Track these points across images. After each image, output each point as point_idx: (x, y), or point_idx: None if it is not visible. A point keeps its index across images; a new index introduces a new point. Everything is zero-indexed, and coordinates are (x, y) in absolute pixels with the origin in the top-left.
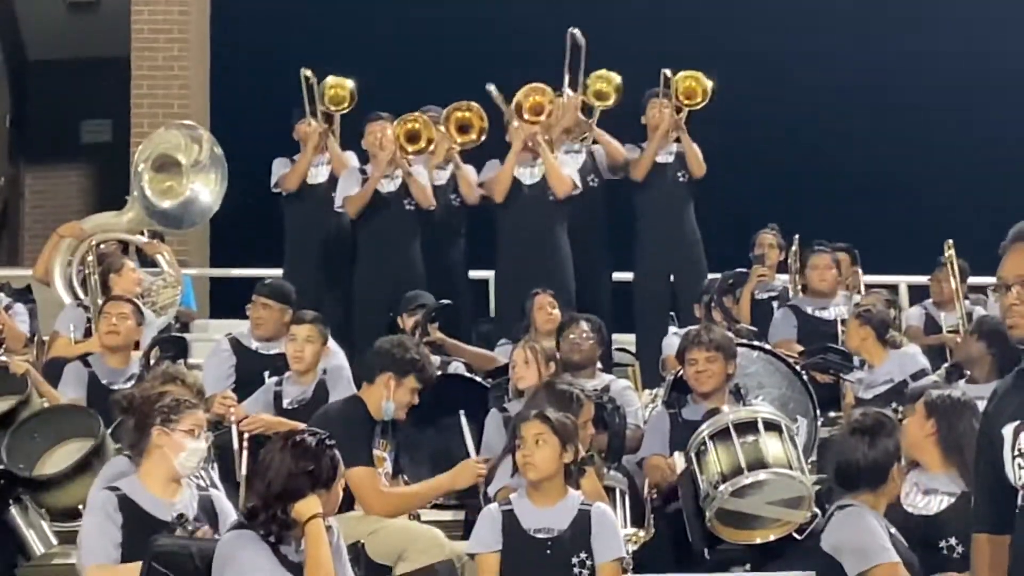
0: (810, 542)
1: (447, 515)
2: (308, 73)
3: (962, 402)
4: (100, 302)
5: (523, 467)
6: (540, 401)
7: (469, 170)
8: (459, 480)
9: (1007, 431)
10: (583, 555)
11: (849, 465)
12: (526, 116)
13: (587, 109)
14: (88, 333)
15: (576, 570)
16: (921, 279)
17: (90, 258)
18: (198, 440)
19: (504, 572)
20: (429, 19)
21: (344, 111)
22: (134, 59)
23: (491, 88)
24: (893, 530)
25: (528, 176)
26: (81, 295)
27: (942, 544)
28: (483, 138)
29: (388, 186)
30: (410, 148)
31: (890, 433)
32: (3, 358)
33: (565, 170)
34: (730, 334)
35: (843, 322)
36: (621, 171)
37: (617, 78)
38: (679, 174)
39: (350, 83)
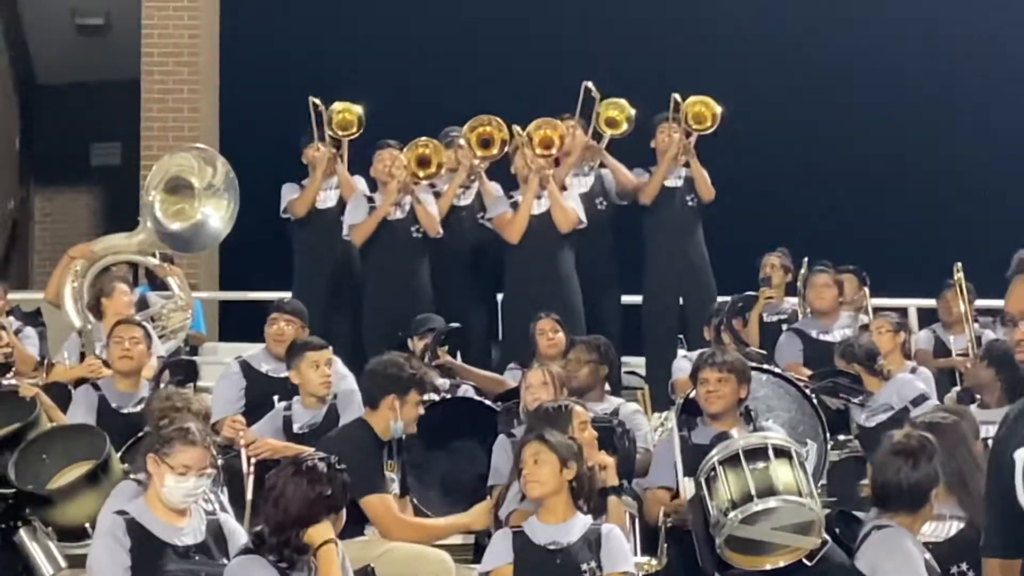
0: (820, 568)
1: (457, 539)
2: (316, 101)
3: (946, 428)
4: (89, 326)
5: (525, 487)
6: (534, 425)
7: (494, 187)
8: (477, 523)
9: (1018, 456)
10: (592, 564)
11: (890, 486)
12: (537, 150)
13: (597, 134)
14: (82, 358)
15: None
16: (931, 302)
17: (74, 284)
18: (184, 479)
19: None
20: (438, 46)
21: (352, 136)
22: (144, 82)
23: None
24: (928, 555)
25: (536, 206)
26: (91, 318)
27: (954, 570)
28: (505, 150)
29: (396, 213)
30: (421, 173)
31: (931, 456)
32: (13, 381)
33: (569, 203)
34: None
35: None
36: (629, 197)
37: (630, 108)
38: (688, 198)
39: (358, 108)
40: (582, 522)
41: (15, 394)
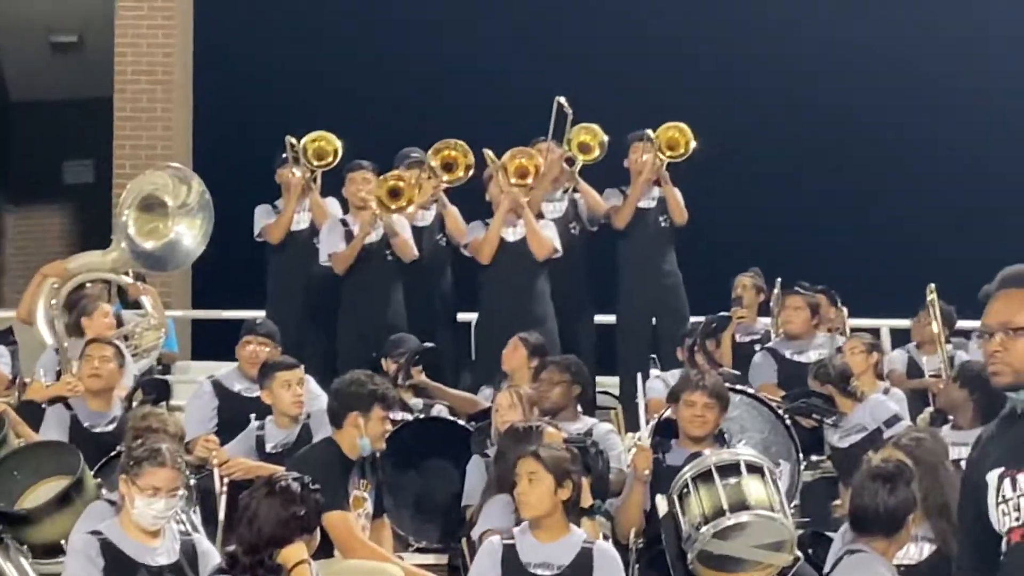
0: None
1: (430, 558)
2: (292, 140)
3: (926, 449)
4: (67, 344)
5: (519, 505)
6: (505, 447)
7: (455, 211)
8: None
9: (991, 477)
10: None
11: (867, 510)
12: (512, 179)
13: (570, 159)
14: (59, 376)
15: None
16: (904, 323)
17: (54, 301)
18: (154, 499)
19: None
20: (412, 70)
21: (328, 167)
22: (117, 100)
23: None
24: None
25: (511, 234)
26: (68, 337)
27: None
28: (469, 175)
29: (371, 236)
30: (392, 205)
31: (909, 481)
32: None
33: (545, 232)
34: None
35: None
36: (601, 221)
37: (602, 134)
38: (661, 218)
39: (337, 141)
40: (576, 539)
41: None
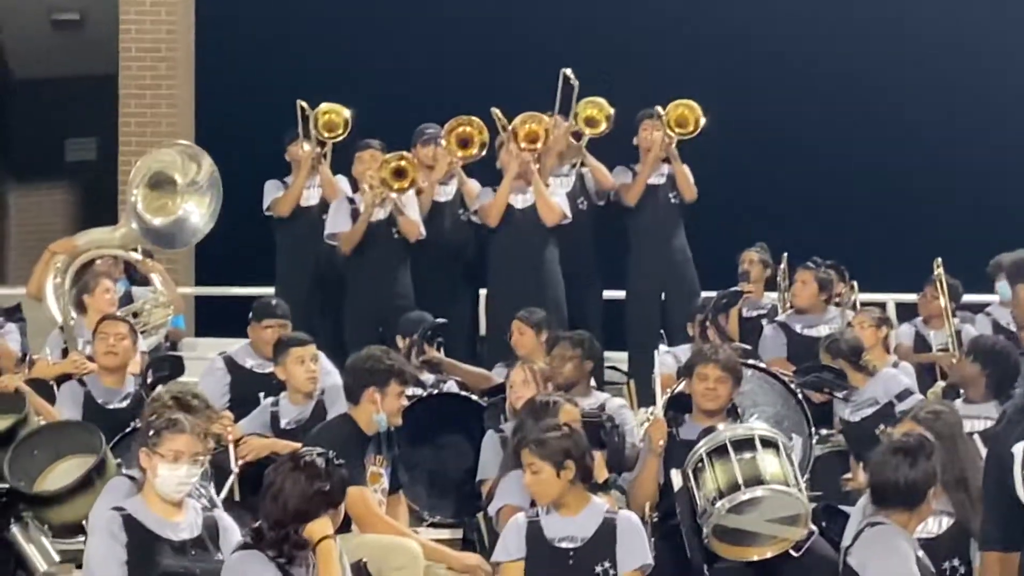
0: (807, 559)
1: (445, 533)
2: (304, 104)
3: (946, 423)
4: (72, 321)
5: (532, 495)
6: (522, 422)
7: (474, 184)
8: (464, 564)
9: (1017, 450)
10: (607, 564)
11: (887, 484)
12: (521, 144)
13: (577, 134)
14: (64, 353)
15: None
16: (911, 297)
17: (56, 279)
18: (176, 466)
19: None
20: (419, 42)
21: (338, 139)
22: (121, 77)
23: (494, 111)
24: (921, 553)
25: (520, 201)
26: (74, 313)
27: (945, 566)
28: (484, 152)
29: (377, 214)
30: (395, 185)
31: (930, 455)
32: None
33: (555, 199)
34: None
35: None
36: (610, 198)
37: (608, 107)
38: (671, 195)
39: (346, 112)
40: (598, 510)
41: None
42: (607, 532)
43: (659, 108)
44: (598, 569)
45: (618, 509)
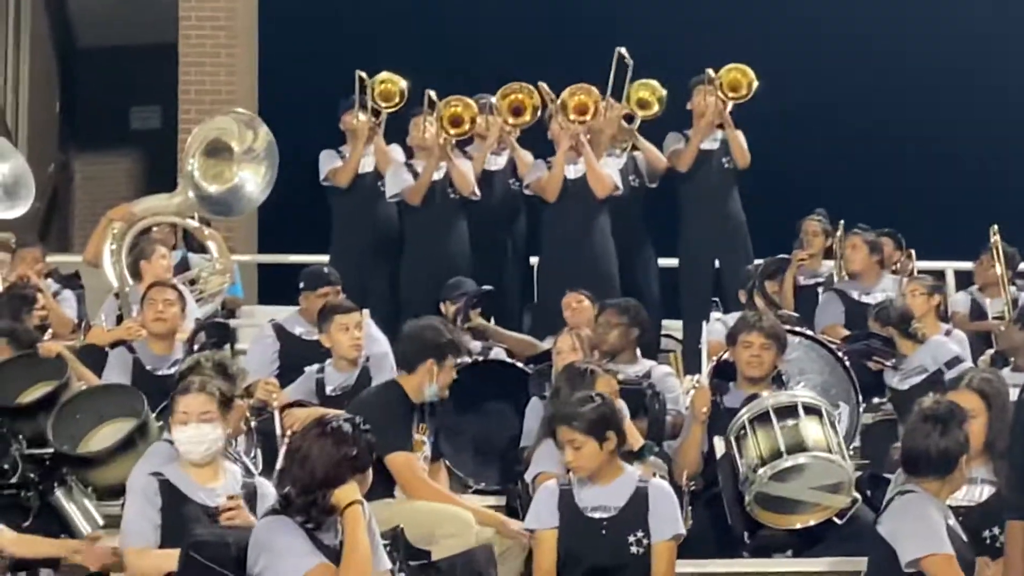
0: (850, 527)
1: (489, 500)
2: (363, 74)
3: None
4: (128, 289)
5: (571, 470)
6: (557, 389)
7: (526, 154)
8: (511, 530)
9: None
10: (639, 533)
11: (918, 452)
12: (571, 115)
13: (629, 117)
14: (119, 320)
15: (632, 548)
16: (967, 265)
17: (113, 245)
18: (184, 427)
19: (560, 550)
20: (476, 13)
21: (394, 109)
22: (181, 46)
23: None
24: (952, 521)
25: (572, 171)
26: (130, 280)
27: (986, 534)
28: (536, 118)
29: (435, 174)
30: (453, 131)
31: (961, 423)
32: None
33: (606, 170)
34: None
35: None
36: (660, 178)
37: (661, 89)
38: (724, 160)
39: (402, 82)
40: (630, 479)
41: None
42: (639, 501)
43: (711, 72)
44: (631, 539)
45: (650, 477)
